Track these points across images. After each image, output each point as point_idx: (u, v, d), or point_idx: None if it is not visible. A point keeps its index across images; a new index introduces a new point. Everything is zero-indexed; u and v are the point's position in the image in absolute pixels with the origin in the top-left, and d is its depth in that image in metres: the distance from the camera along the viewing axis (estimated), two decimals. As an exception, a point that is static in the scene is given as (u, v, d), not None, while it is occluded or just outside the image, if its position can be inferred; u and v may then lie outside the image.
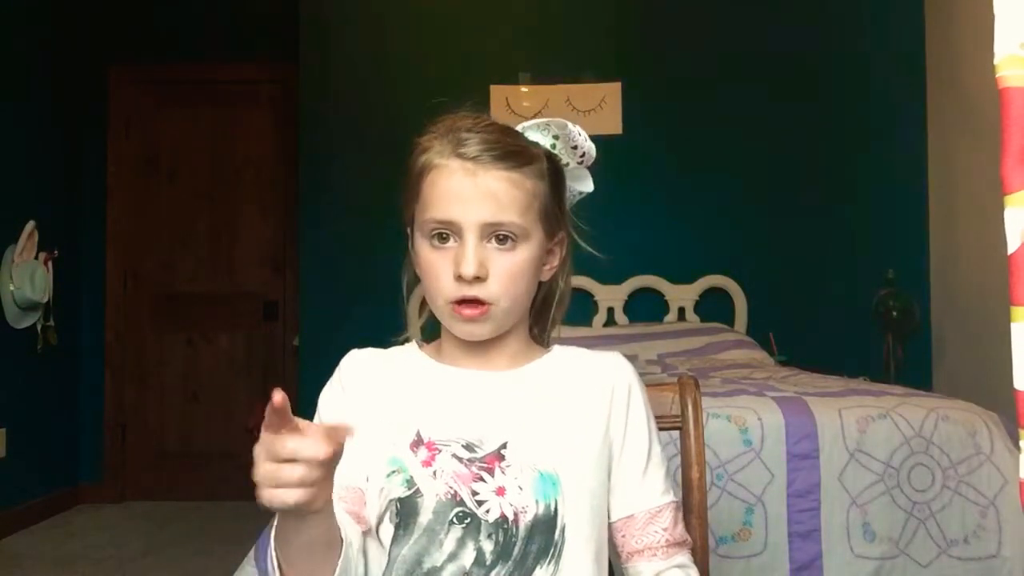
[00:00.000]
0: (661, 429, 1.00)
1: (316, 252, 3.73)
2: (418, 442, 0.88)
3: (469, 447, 0.87)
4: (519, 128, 0.93)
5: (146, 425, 4.26)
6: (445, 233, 0.87)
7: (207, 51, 4.28)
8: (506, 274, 0.87)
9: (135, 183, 4.31)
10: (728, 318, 3.60)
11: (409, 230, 0.93)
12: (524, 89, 3.78)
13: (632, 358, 3.32)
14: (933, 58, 3.66)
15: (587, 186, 0.98)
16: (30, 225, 3.65)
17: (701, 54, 3.77)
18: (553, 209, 0.91)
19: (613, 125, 3.72)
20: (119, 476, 4.22)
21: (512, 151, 0.87)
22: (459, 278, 0.85)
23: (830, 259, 3.68)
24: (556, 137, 0.93)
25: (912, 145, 3.69)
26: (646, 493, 0.93)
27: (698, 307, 3.64)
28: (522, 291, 0.90)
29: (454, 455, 0.87)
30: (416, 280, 0.93)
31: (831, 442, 1.90)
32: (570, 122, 0.93)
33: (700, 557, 1.03)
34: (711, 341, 3.29)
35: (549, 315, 0.99)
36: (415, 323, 1.00)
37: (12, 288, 3.53)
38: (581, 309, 3.53)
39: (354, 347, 0.99)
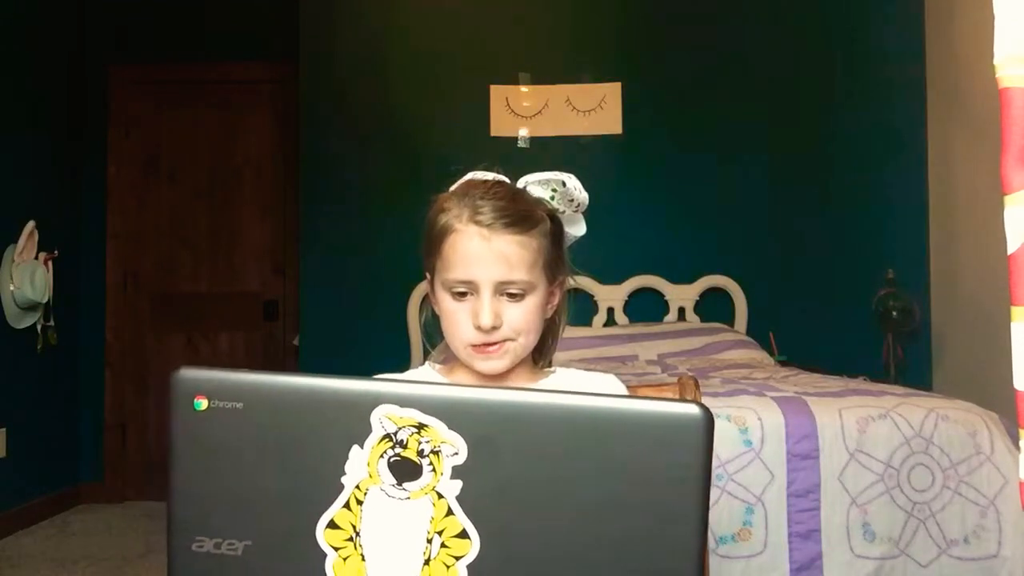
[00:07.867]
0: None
1: (316, 252, 3.73)
2: None
3: None
4: (522, 182, 1.05)
5: (146, 425, 4.26)
6: (464, 290, 1.00)
7: (207, 51, 4.28)
8: (517, 320, 1.00)
9: (135, 183, 4.30)
10: (728, 318, 3.60)
11: (428, 275, 1.06)
12: (524, 89, 3.78)
13: (632, 358, 3.32)
14: (933, 59, 3.66)
15: (580, 230, 1.10)
16: (30, 225, 3.64)
17: (701, 54, 3.78)
18: (554, 259, 1.04)
19: (613, 125, 3.72)
20: (119, 476, 4.21)
21: (521, 216, 1.00)
22: (478, 328, 0.98)
23: (830, 259, 3.68)
24: (555, 190, 1.05)
25: (912, 145, 3.69)
26: None
27: (698, 307, 3.64)
28: (532, 331, 1.03)
29: None
30: (432, 317, 1.08)
31: (831, 442, 1.90)
32: (567, 176, 1.05)
33: (700, 557, 1.03)
34: (711, 341, 3.29)
35: (547, 344, 1.11)
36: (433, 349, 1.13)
37: (12, 288, 3.52)
38: (581, 309, 3.53)
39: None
